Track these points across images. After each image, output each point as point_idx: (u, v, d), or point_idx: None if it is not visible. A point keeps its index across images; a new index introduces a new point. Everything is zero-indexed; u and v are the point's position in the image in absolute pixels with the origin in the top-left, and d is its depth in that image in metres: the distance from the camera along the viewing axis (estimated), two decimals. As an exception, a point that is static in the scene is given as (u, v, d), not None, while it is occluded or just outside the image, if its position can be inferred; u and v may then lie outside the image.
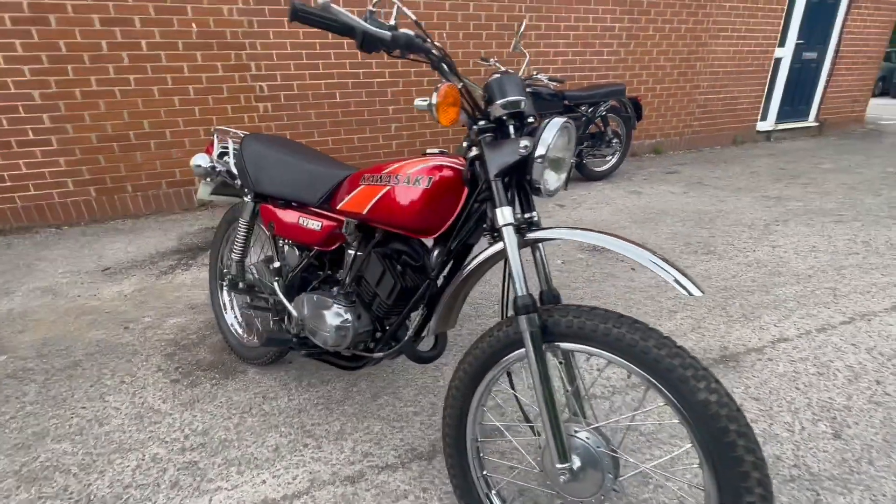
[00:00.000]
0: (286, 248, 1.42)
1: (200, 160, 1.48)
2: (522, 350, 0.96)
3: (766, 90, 6.11)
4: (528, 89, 3.47)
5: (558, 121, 0.89)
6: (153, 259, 2.78)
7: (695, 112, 5.68)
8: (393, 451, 1.35)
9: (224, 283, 1.63)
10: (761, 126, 6.33)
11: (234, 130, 1.66)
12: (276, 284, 1.37)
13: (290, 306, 1.34)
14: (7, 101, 3.04)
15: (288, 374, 1.70)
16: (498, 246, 0.96)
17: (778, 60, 6.04)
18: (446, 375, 1.68)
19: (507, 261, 1.09)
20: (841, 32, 6.19)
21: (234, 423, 1.47)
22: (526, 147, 0.88)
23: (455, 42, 4.14)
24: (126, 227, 3.38)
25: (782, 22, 5.75)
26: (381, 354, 1.19)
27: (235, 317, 1.84)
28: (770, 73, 6.00)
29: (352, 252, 1.26)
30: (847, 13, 6.09)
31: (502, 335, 0.97)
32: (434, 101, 0.88)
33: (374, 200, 1.10)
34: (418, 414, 1.50)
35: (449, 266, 1.12)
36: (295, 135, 3.84)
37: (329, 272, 1.38)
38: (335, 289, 1.29)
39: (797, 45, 6.06)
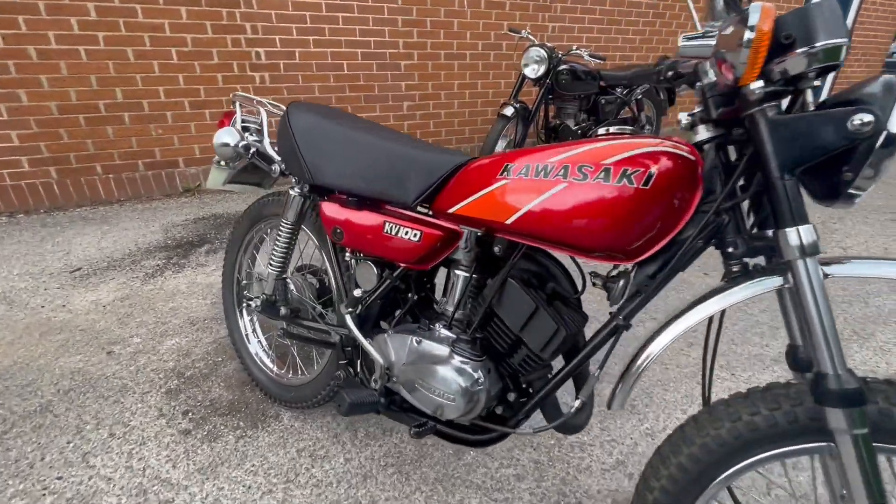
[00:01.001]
0: (355, 263, 1.02)
1: (228, 137, 1.05)
2: (796, 447, 0.63)
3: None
4: (563, 66, 3.09)
5: (904, 81, 0.54)
6: (134, 257, 2.29)
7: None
8: (507, 541, 1.00)
9: (252, 304, 1.22)
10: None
11: (259, 98, 1.23)
12: (348, 318, 0.97)
13: (370, 348, 0.95)
14: (-60, 59, 2.44)
15: (336, 422, 1.31)
16: (768, 284, 0.61)
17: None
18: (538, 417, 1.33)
19: (713, 319, 0.73)
20: (854, 21, 6.04)
21: (279, 498, 1.08)
22: (866, 123, 0.52)
23: (476, 11, 3.70)
24: (96, 215, 2.84)
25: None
26: (529, 431, 0.82)
27: (260, 342, 1.43)
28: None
29: (462, 274, 0.88)
30: (861, 3, 5.93)
31: (761, 421, 0.63)
32: (753, 28, 0.51)
33: (532, 204, 0.72)
34: (522, 479, 1.14)
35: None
36: (296, 111, 3.33)
37: (416, 296, 1.00)
38: (438, 327, 0.90)
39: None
